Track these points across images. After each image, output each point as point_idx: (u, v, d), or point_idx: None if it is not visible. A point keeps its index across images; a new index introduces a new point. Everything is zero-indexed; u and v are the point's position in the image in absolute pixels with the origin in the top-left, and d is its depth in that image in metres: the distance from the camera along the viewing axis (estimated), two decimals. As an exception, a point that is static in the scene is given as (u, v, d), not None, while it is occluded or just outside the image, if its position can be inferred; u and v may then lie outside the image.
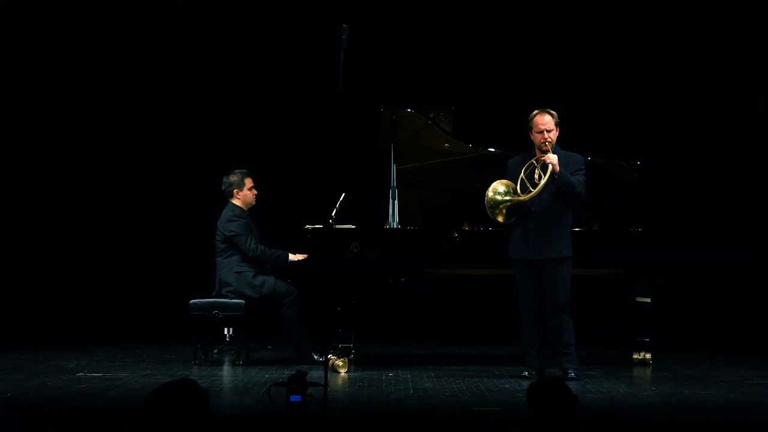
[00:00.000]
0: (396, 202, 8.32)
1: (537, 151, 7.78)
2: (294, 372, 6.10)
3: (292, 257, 8.59)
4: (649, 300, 8.59)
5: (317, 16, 10.39)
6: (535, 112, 7.79)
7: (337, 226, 8.30)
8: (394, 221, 8.31)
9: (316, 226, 8.37)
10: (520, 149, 8.01)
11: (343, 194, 8.45)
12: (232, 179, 8.83)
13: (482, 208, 7.78)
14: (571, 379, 7.62)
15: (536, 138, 7.76)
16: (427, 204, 8.83)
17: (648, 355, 8.64)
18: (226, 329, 9.53)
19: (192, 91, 10.92)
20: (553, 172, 7.65)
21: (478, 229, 8.33)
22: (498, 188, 7.75)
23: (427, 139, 8.49)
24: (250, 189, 8.83)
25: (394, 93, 9.75)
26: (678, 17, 10.71)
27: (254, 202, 8.87)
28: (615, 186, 8.67)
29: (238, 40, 10.89)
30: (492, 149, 8.49)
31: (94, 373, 8.00)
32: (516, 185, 7.73)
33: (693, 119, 10.81)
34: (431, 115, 8.42)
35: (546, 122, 7.73)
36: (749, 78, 10.72)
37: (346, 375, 8.06)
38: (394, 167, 8.35)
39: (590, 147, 8.33)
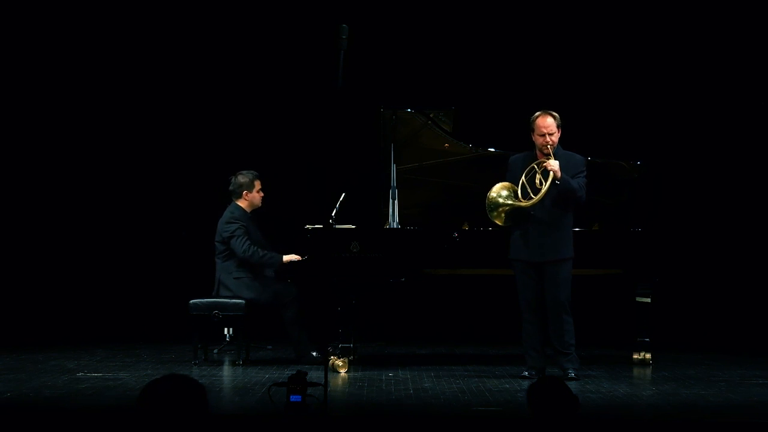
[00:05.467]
0: (396, 202, 8.32)
1: (538, 153, 7.76)
2: (294, 372, 6.10)
3: (286, 258, 8.54)
4: (649, 300, 8.58)
5: (317, 16, 10.39)
6: (537, 114, 7.75)
7: (337, 226, 8.30)
8: (394, 221, 8.30)
9: (316, 226, 8.37)
10: (520, 149, 8.00)
11: (343, 194, 8.44)
12: (241, 180, 8.77)
13: (482, 208, 7.77)
14: (571, 379, 7.62)
15: (538, 140, 7.73)
16: (427, 204, 8.82)
17: (648, 355, 8.63)
18: (226, 329, 9.52)
19: (192, 91, 10.92)
20: (554, 179, 7.63)
21: (478, 229, 8.33)
22: (501, 191, 7.71)
23: (427, 139, 8.48)
24: (258, 191, 8.79)
25: (394, 93, 9.75)
26: (678, 16, 10.72)
27: (260, 205, 8.84)
28: (615, 186, 8.67)
29: (237, 39, 10.88)
30: (492, 149, 8.48)
31: (94, 373, 8.00)
32: (517, 187, 7.70)
33: (694, 119, 10.81)
34: (431, 115, 8.42)
35: (548, 125, 7.70)
36: (749, 78, 10.72)
37: (346, 375, 8.05)
38: (394, 167, 8.34)
39: (590, 147, 8.32)
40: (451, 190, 8.75)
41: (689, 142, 10.77)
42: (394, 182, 8.32)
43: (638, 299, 8.60)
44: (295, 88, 10.73)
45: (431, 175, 8.67)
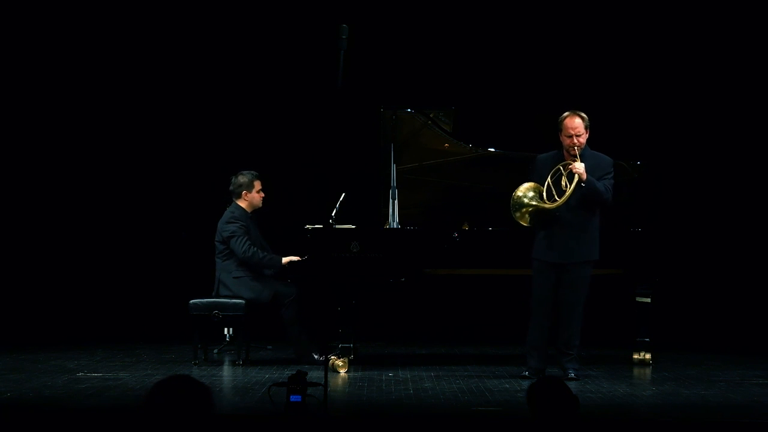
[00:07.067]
0: (396, 202, 8.32)
1: (566, 153, 7.70)
2: (294, 372, 6.10)
3: (285, 260, 8.54)
4: (649, 300, 8.58)
5: (317, 16, 10.39)
6: (566, 114, 7.68)
7: (337, 226, 8.30)
8: (394, 221, 8.31)
9: (316, 226, 8.37)
10: (520, 149, 7.99)
11: (343, 194, 8.44)
12: (241, 180, 8.77)
13: (481, 208, 7.77)
14: (571, 379, 7.61)
15: (565, 141, 7.66)
16: (427, 204, 8.82)
17: (648, 355, 8.63)
18: (226, 329, 9.52)
19: (192, 92, 10.92)
20: (579, 181, 7.60)
21: (478, 229, 8.32)
22: (527, 192, 7.63)
23: (427, 139, 8.48)
24: (258, 191, 8.79)
25: (394, 93, 9.75)
26: (678, 16, 10.72)
27: (260, 205, 8.83)
28: (615, 186, 8.65)
29: (238, 39, 10.88)
30: (492, 149, 8.48)
31: (94, 373, 8.00)
32: (543, 187, 7.65)
33: (694, 119, 10.81)
34: (431, 115, 8.42)
35: (576, 126, 7.64)
36: (749, 78, 10.72)
37: (346, 375, 8.06)
38: (394, 167, 8.34)
39: (591, 147, 8.31)
40: (451, 190, 8.74)
41: (689, 142, 10.77)
42: (394, 182, 8.32)
43: (638, 299, 8.60)
44: (296, 88, 10.73)
45: (431, 175, 8.66)
